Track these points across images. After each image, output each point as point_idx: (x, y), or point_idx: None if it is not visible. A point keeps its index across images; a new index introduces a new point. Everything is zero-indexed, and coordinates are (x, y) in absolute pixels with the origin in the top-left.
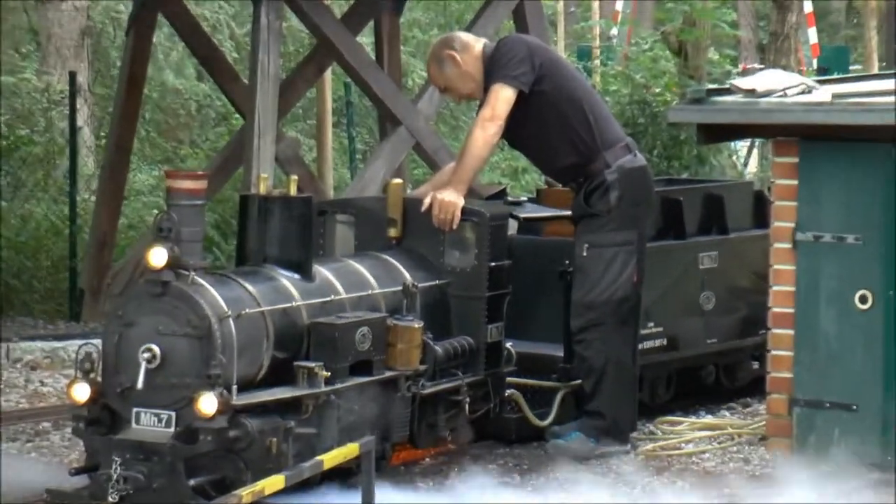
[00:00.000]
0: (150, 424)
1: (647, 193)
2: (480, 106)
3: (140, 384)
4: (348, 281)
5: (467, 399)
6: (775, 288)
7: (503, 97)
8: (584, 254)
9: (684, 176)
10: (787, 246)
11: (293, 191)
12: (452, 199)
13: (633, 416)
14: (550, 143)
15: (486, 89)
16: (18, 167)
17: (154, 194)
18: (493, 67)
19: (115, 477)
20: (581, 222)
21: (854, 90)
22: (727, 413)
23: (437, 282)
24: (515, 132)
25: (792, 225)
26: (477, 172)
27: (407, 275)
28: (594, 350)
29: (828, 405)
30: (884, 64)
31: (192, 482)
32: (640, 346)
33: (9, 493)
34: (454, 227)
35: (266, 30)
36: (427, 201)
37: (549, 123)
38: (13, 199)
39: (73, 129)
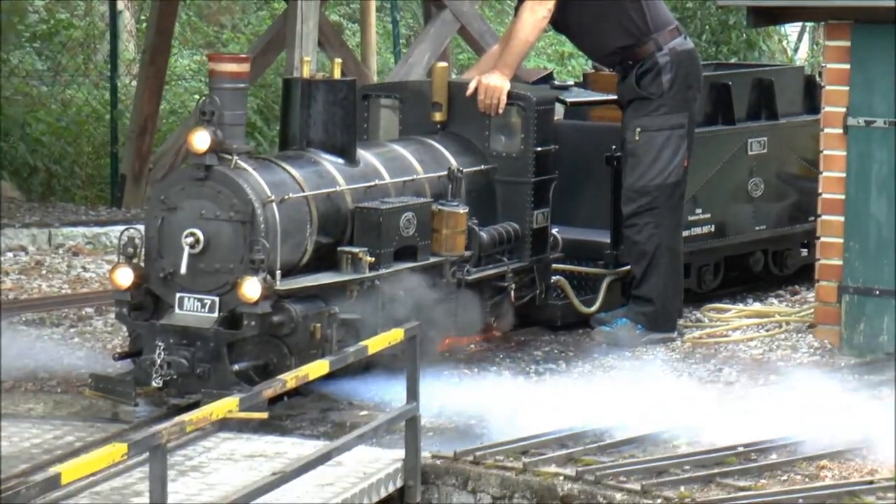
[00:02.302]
0: (193, 309)
1: (697, 76)
2: None
3: (183, 269)
4: (393, 166)
5: (513, 285)
6: (825, 174)
7: None
8: (637, 138)
9: (732, 61)
10: (838, 131)
11: (337, 74)
12: (498, 83)
13: (680, 303)
14: (600, 24)
15: None
16: (58, 52)
17: (195, 79)
18: None
19: (158, 362)
20: (631, 106)
21: None
22: (775, 300)
23: (483, 167)
24: (563, 15)
25: (843, 110)
26: (524, 57)
27: (452, 159)
28: (646, 234)
29: (877, 293)
30: None
31: (235, 367)
32: (687, 233)
33: (53, 378)
34: (500, 111)
35: None
36: (472, 85)
37: (598, 5)
38: (54, 85)
39: (114, 13)
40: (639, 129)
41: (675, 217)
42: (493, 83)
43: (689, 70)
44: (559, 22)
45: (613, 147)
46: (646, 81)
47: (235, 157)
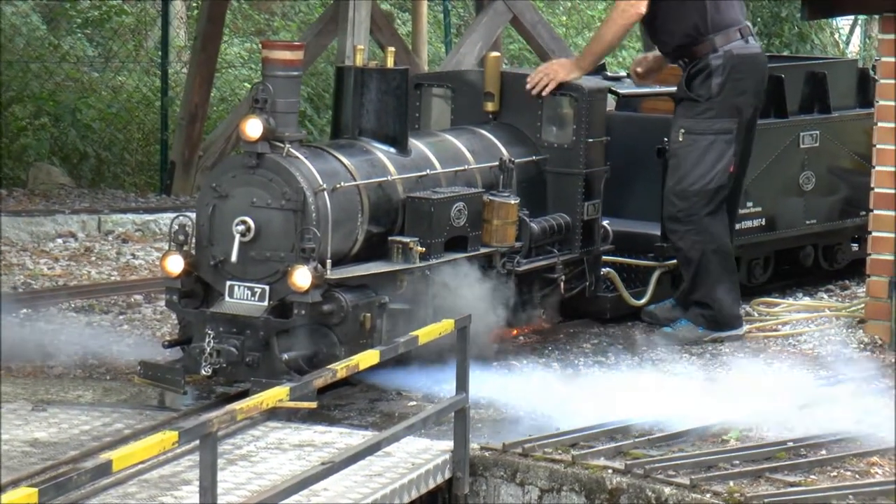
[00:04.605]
0: (243, 298)
1: (755, 82)
2: None
3: (234, 257)
4: (444, 155)
5: (562, 277)
6: (878, 168)
7: None
8: (680, 139)
9: (784, 53)
10: (892, 125)
11: (390, 63)
12: (561, 69)
13: (737, 297)
14: (665, 22)
15: None
16: (110, 38)
17: (246, 67)
18: None
19: (208, 350)
20: (680, 104)
21: None
22: (825, 295)
23: (534, 157)
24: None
25: None
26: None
27: (503, 150)
28: (689, 242)
29: None
30: None
31: (285, 356)
32: (738, 226)
33: (102, 365)
34: (543, 93)
35: None
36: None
37: (664, 6)
38: (104, 71)
39: (165, 0)
40: (683, 131)
41: (719, 220)
42: (555, 65)
43: (743, 75)
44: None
45: (665, 139)
46: (696, 83)
47: (287, 146)
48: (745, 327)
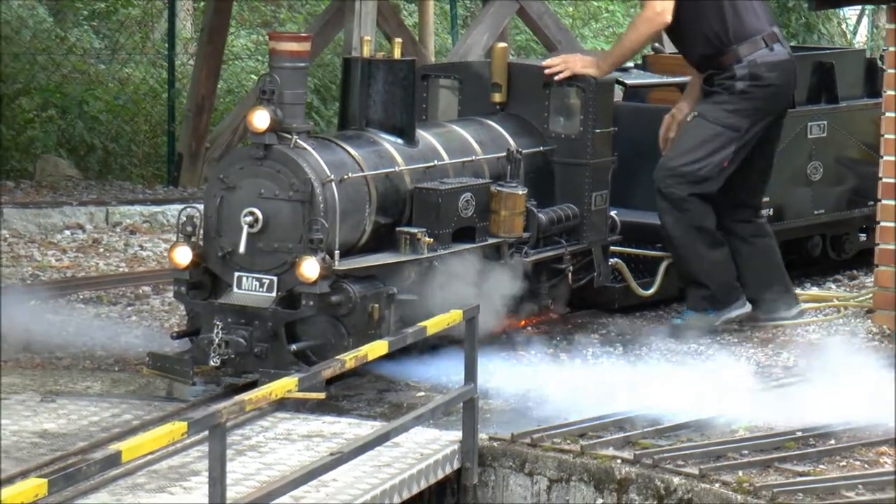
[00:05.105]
0: (251, 289)
1: (778, 88)
2: None
3: (242, 248)
4: (452, 146)
5: (570, 267)
6: (886, 158)
7: None
8: (689, 119)
9: (792, 44)
10: None
11: (397, 54)
12: (578, 60)
13: (731, 270)
14: (686, 33)
15: None
16: (116, 30)
17: (253, 58)
18: None
19: (216, 341)
20: (703, 96)
21: None
22: (833, 285)
23: (542, 148)
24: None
25: None
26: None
27: (511, 140)
28: (671, 220)
29: None
30: None
31: (293, 347)
32: None
33: (110, 356)
34: (556, 77)
35: None
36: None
37: (684, 14)
38: (111, 63)
39: None
40: (695, 114)
41: (700, 203)
42: (576, 58)
43: (767, 83)
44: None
45: None
46: (722, 84)
47: (295, 137)
48: (748, 306)
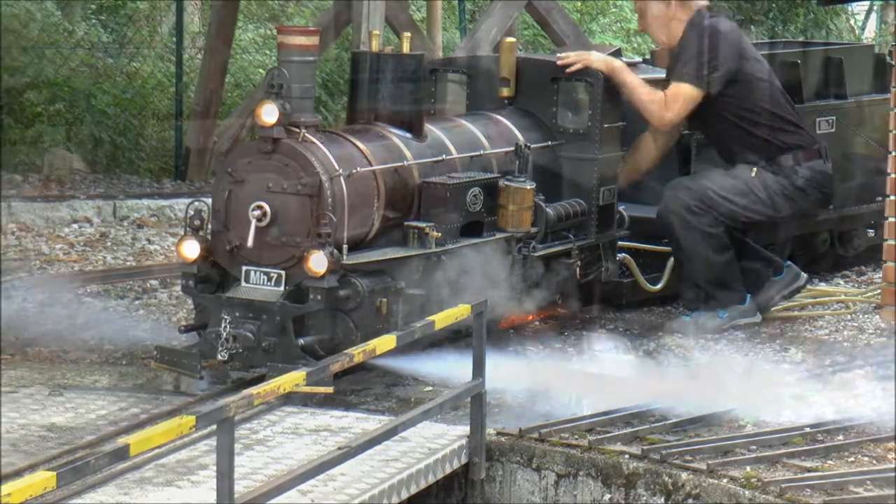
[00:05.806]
0: (259, 283)
1: (813, 197)
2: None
3: (250, 242)
4: (460, 141)
5: (578, 262)
6: (894, 154)
7: (687, 97)
8: (752, 175)
9: (800, 39)
10: None
11: (406, 48)
12: (594, 56)
13: (734, 274)
14: (730, 140)
15: (676, 56)
16: (124, 24)
17: (261, 52)
18: (688, 51)
19: (224, 335)
20: (766, 161)
21: None
22: (841, 281)
23: (550, 143)
24: (695, 121)
25: None
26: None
27: (519, 135)
28: (680, 221)
29: None
30: None
31: (301, 341)
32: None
33: (118, 350)
34: (568, 69)
35: None
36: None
37: (727, 125)
38: (119, 56)
39: None
40: (755, 169)
41: (714, 229)
42: (592, 55)
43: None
44: (693, 124)
45: (683, 130)
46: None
47: (303, 131)
48: (758, 317)
